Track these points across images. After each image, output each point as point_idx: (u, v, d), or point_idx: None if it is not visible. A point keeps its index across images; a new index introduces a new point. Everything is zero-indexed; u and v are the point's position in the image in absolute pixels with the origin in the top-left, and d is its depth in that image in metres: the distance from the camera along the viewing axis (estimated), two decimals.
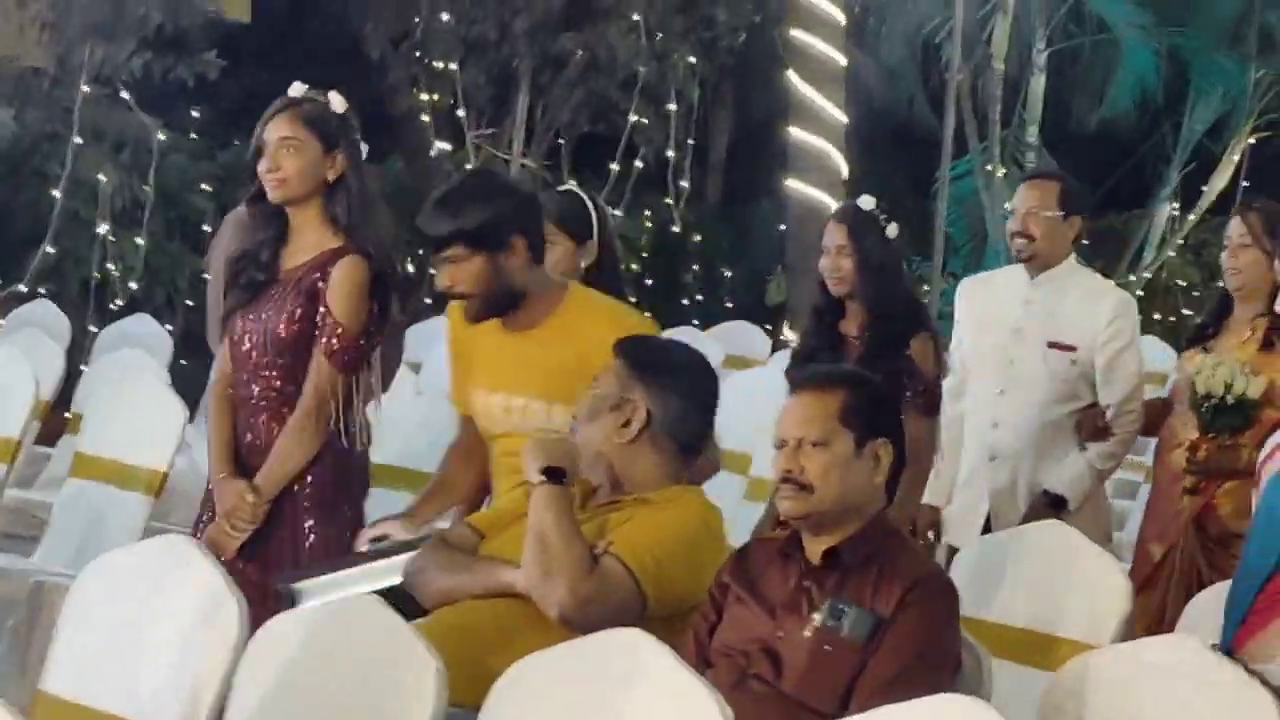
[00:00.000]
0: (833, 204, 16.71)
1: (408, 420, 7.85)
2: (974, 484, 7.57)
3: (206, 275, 7.79)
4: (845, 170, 17.32)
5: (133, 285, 13.67)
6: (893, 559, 4.81)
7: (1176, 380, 7.67)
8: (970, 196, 18.66)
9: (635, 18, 15.77)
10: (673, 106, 16.20)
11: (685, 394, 5.35)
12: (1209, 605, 5.60)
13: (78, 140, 13.15)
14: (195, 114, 14.28)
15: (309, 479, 6.09)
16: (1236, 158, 18.85)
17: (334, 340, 6.03)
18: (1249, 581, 4.98)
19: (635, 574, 4.99)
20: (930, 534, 7.52)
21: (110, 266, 13.79)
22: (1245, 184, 18.54)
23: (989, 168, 18.50)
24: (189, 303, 14.19)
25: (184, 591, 4.82)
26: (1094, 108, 19.43)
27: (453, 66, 15.51)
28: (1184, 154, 19.07)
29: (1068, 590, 5.79)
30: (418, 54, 15.77)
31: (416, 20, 15.61)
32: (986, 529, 7.40)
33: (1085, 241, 19.41)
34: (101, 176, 13.41)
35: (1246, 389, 6.99)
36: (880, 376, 6.41)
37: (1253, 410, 7.02)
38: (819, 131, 17.13)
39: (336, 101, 6.20)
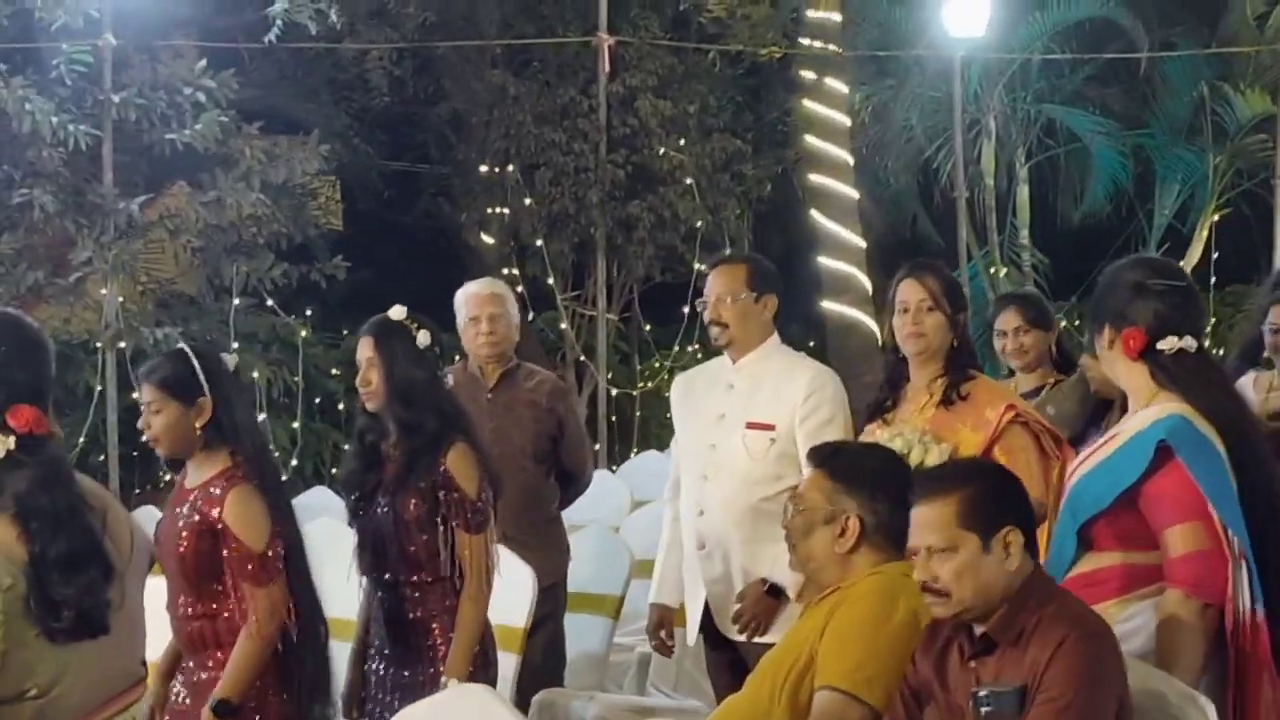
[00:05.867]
0: (865, 320, 16.55)
1: None
2: (690, 576, 6.46)
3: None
4: (870, 287, 17.15)
5: (293, 462, 13.56)
6: (1042, 624, 4.39)
7: None
8: (979, 296, 18.46)
9: (688, 181, 15.64)
10: (727, 251, 16.00)
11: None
12: None
13: (235, 345, 13.04)
14: (309, 311, 14.25)
15: None
16: (1205, 234, 18.67)
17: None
18: None
19: (848, 691, 4.63)
20: (662, 633, 6.58)
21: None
22: (1215, 255, 18.35)
23: (991, 270, 18.34)
24: (333, 471, 14.07)
25: None
26: (1074, 206, 19.29)
27: (539, 242, 15.35)
28: (1157, 237, 18.94)
29: None
30: (502, 235, 15.65)
31: (491, 210, 15.48)
32: (709, 620, 6.38)
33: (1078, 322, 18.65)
34: (255, 374, 13.28)
35: (925, 458, 5.74)
36: (418, 491, 5.85)
37: None
38: (843, 257, 16.99)
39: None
